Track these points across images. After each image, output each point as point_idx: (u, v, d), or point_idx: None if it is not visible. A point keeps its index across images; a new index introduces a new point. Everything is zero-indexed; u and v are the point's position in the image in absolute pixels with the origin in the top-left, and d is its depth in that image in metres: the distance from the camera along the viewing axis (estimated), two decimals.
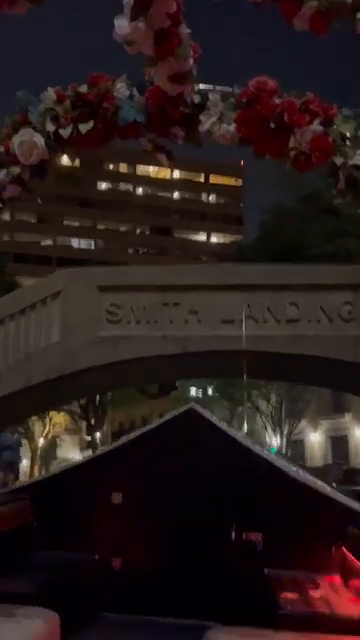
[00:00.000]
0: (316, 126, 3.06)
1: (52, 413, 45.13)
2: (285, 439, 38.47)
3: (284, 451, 37.78)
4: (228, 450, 5.41)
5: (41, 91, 3.29)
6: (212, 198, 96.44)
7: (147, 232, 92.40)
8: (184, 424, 5.62)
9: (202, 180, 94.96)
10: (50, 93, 3.27)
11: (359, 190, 3.07)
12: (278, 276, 11.08)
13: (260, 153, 3.20)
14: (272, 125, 3.07)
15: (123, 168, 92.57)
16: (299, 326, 10.76)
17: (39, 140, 3.26)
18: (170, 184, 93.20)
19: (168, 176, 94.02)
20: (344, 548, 4.52)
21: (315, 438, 40.59)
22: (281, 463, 5.61)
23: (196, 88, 3.12)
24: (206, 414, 5.69)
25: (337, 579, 4.38)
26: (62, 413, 45.62)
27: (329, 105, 3.14)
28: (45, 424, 47.01)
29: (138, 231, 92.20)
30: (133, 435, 6.36)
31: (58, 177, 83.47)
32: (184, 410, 5.81)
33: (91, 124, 3.20)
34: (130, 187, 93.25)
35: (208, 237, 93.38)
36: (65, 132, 3.23)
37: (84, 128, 3.20)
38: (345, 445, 37.30)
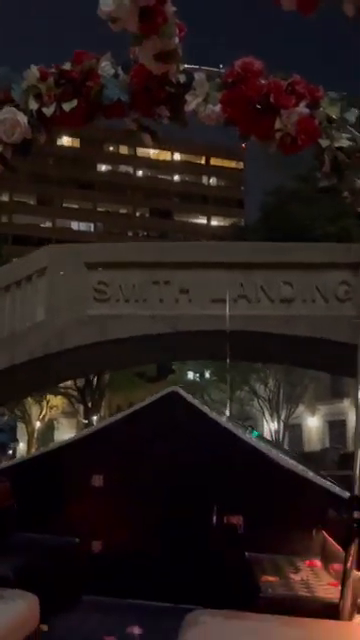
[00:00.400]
0: (302, 108, 3.03)
1: (49, 396, 44.92)
2: (282, 423, 38.24)
3: (281, 435, 38.08)
4: (210, 433, 5.42)
5: (24, 69, 3.25)
6: (213, 181, 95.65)
7: (147, 215, 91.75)
8: (166, 407, 5.60)
9: (203, 162, 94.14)
10: (33, 71, 3.20)
11: (344, 173, 3.05)
12: (272, 254, 10.76)
13: (245, 134, 3.18)
14: (258, 106, 3.05)
15: (123, 150, 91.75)
16: (293, 306, 10.55)
17: (22, 118, 3.17)
18: (171, 166, 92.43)
19: (169, 158, 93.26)
20: (324, 532, 4.50)
21: (313, 423, 40.36)
22: (263, 447, 5.62)
23: (181, 67, 3.07)
24: (188, 397, 5.63)
25: (317, 563, 4.41)
26: (59, 396, 45.01)
27: (315, 87, 3.10)
28: (42, 407, 46.66)
29: (138, 214, 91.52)
30: (115, 418, 6.30)
31: (58, 159, 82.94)
32: (166, 393, 5.73)
33: (75, 102, 3.13)
34: (130, 169, 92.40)
35: (208, 220, 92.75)
36: (48, 110, 3.17)
37: (68, 106, 3.13)
38: (343, 430, 36.69)
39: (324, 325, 10.20)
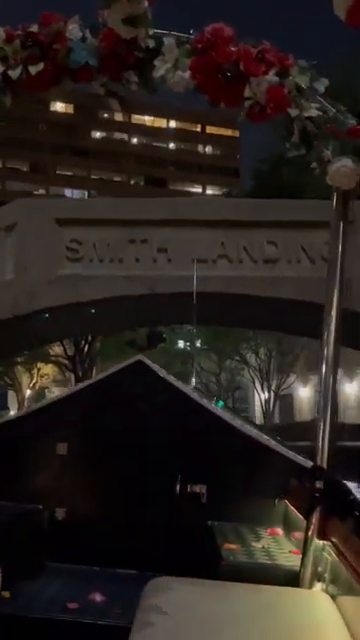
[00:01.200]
0: (272, 76, 3.02)
1: (40, 364, 45.21)
2: (273, 393, 38.20)
3: (272, 405, 38.25)
4: (175, 403, 5.53)
5: None
6: (208, 149, 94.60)
7: (142, 183, 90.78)
8: (132, 376, 5.67)
9: (199, 130, 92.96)
10: None
11: (312, 143, 3.04)
12: (255, 212, 10.14)
13: (215, 102, 3.16)
14: (227, 74, 3.04)
15: (118, 117, 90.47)
16: (277, 267, 9.97)
17: None
18: (166, 134, 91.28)
19: (164, 125, 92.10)
20: (287, 501, 4.65)
21: (305, 393, 40.03)
22: (227, 416, 5.68)
23: (151, 32, 3.06)
24: (154, 367, 5.74)
25: (279, 531, 4.54)
26: (50, 364, 45.18)
27: (285, 55, 3.08)
28: (33, 375, 46.73)
29: (132, 182, 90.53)
30: (80, 386, 6.68)
31: (51, 125, 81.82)
32: (132, 361, 5.81)
33: (41, 66, 3.11)
34: (125, 136, 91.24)
35: (204, 189, 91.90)
36: (14, 73, 3.14)
37: (34, 69, 3.10)
38: (336, 400, 36.54)
39: (310, 287, 9.58)
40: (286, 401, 39.88)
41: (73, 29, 3.09)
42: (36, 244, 9.66)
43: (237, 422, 5.62)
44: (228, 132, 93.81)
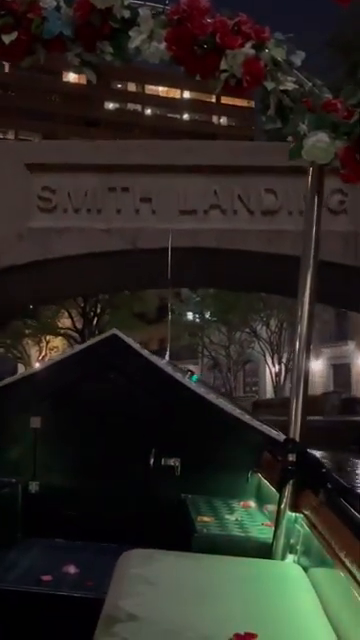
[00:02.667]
0: (248, 49, 3.01)
1: (49, 337, 45.60)
2: (284, 367, 37.46)
3: (282, 379, 37.70)
4: (149, 376, 5.55)
5: None
6: (223, 120, 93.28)
7: None
8: (106, 349, 5.60)
9: (213, 101, 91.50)
10: None
11: (288, 116, 3.01)
12: (253, 156, 9.10)
13: (190, 74, 3.11)
14: (203, 46, 3.02)
15: (131, 87, 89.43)
16: (277, 219, 9.15)
17: None
18: (180, 104, 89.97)
19: (178, 96, 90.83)
20: (260, 474, 4.76)
21: (316, 366, 39.07)
22: (202, 390, 5.64)
23: (126, 3, 3.04)
24: (128, 340, 5.61)
25: (252, 504, 4.68)
26: (59, 337, 45.60)
27: (261, 28, 3.05)
28: (41, 348, 47.08)
29: None
30: (55, 359, 6.59)
31: (64, 96, 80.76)
32: (106, 336, 5.74)
33: (15, 35, 3.06)
34: (139, 107, 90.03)
35: None
36: None
37: (7, 39, 3.05)
38: (347, 374, 36.15)
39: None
40: None
41: None
42: (2, 193, 8.67)
43: (211, 396, 5.59)
44: (243, 103, 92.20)
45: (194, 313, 41.70)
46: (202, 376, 47.74)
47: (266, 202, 9.15)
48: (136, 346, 5.61)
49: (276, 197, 8.84)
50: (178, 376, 5.70)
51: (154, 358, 5.74)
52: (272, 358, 37.05)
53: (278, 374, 37.52)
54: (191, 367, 49.59)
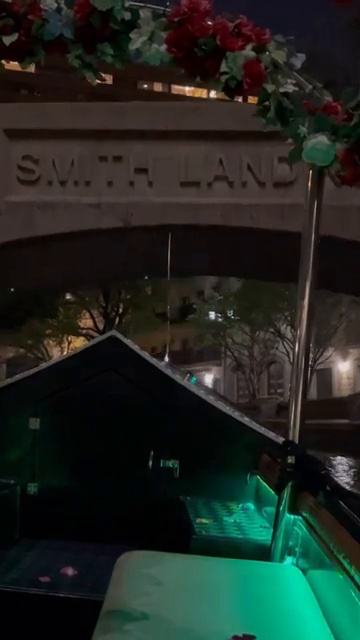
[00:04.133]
0: (248, 51, 3.07)
1: (71, 337, 45.82)
2: (310, 368, 36.16)
3: (308, 380, 36.36)
4: (148, 378, 5.55)
5: None
6: None
7: None
8: (105, 351, 5.61)
9: (240, 101, 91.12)
10: None
11: (288, 118, 3.07)
12: None
13: (191, 76, 3.16)
14: (204, 48, 3.06)
15: (158, 87, 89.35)
16: (292, 192, 8.05)
17: None
18: None
19: (205, 96, 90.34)
20: (258, 476, 4.73)
21: (343, 368, 38.92)
22: (201, 392, 5.74)
23: (126, 4, 3.06)
24: (127, 342, 5.70)
25: (251, 506, 4.76)
26: (81, 338, 46.10)
27: (262, 30, 3.09)
28: (63, 349, 47.56)
29: None
30: (54, 361, 6.73)
31: (89, 96, 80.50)
32: (105, 337, 5.77)
33: (15, 36, 3.10)
34: None
35: None
36: None
37: (8, 40, 3.09)
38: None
39: (333, 218, 7.57)
40: (324, 376, 38.47)
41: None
42: None
43: (210, 398, 5.66)
44: None
45: (216, 312, 41.13)
46: (225, 377, 47.24)
47: (279, 172, 8.12)
48: (135, 348, 5.65)
49: (291, 167, 7.71)
50: (177, 378, 5.78)
51: (153, 360, 5.79)
52: None
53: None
54: (214, 369, 49.04)
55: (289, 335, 36.25)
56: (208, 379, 50.12)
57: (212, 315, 41.49)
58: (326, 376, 38.86)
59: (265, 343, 38.74)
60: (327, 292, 30.73)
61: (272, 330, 37.04)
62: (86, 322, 43.31)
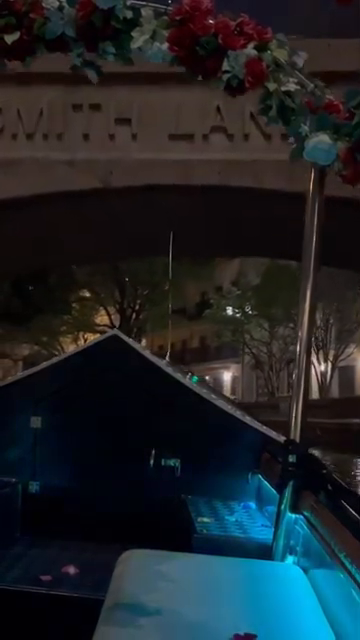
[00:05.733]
0: (250, 50, 3.09)
1: (87, 334, 45.25)
2: (331, 365, 36.56)
3: (328, 378, 36.96)
4: (150, 377, 5.56)
5: None
6: None
7: None
8: (107, 350, 5.60)
9: None
10: None
11: (289, 117, 3.08)
12: None
13: (193, 74, 3.19)
14: (206, 46, 3.08)
15: None
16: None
17: None
18: None
19: None
20: (260, 475, 4.88)
21: None
22: (203, 391, 5.62)
23: (128, 3, 3.09)
24: (129, 341, 5.71)
25: (252, 505, 4.83)
26: (98, 335, 45.12)
27: (264, 29, 3.12)
28: (78, 346, 46.89)
29: None
30: (55, 360, 6.37)
31: None
32: (107, 336, 5.80)
33: (17, 35, 3.12)
34: None
35: None
36: None
37: (10, 39, 3.10)
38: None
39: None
40: (346, 373, 37.73)
41: None
42: None
43: (211, 396, 5.66)
44: None
45: (234, 308, 40.55)
46: (244, 376, 46.40)
47: None
48: (137, 346, 5.81)
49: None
50: (178, 376, 5.83)
51: (154, 359, 5.85)
52: (317, 356, 35.63)
53: (324, 373, 36.41)
54: (233, 366, 48.12)
55: None
56: (227, 377, 49.42)
57: (229, 310, 40.96)
58: (348, 373, 38.08)
59: (285, 339, 38.03)
60: (348, 285, 29.67)
61: (292, 325, 35.99)
62: (102, 318, 42.95)
